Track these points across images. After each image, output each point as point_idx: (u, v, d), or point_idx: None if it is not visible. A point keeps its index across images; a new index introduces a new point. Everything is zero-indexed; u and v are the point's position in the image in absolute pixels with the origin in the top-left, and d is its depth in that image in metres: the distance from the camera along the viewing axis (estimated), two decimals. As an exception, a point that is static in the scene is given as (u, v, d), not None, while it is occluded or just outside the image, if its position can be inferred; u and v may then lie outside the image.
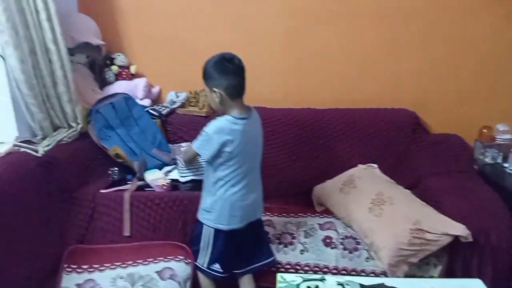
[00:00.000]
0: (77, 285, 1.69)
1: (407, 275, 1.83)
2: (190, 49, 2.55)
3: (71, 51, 2.19)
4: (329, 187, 2.29)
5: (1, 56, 1.80)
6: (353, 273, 1.92)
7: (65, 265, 1.77)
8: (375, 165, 2.35)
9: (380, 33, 2.47)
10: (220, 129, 1.68)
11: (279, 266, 1.96)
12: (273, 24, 2.50)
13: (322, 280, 1.56)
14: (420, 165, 2.38)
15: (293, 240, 2.02)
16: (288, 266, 1.96)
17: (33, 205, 1.76)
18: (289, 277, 1.59)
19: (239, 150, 1.70)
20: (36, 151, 1.90)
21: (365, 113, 2.50)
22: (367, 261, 1.93)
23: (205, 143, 1.70)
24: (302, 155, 2.47)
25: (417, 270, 1.87)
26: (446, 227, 1.81)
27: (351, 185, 2.19)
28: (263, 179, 2.38)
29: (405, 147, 2.45)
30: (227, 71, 1.68)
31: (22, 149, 1.87)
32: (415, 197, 2.07)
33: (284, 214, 2.23)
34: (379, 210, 1.97)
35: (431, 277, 1.87)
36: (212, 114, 2.52)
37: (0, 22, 1.70)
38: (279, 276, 1.59)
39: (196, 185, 2.03)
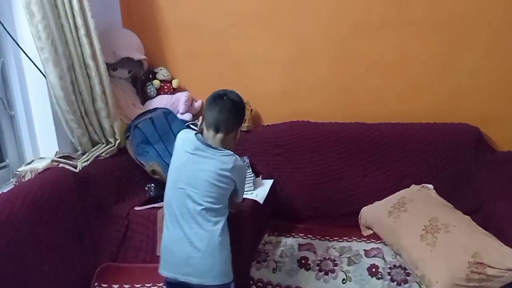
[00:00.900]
0: (106, 304, 1.66)
1: (463, 315, 1.61)
2: (234, 63, 2.49)
3: (113, 66, 2.21)
4: (377, 210, 2.10)
5: (43, 74, 1.83)
6: (402, 308, 1.73)
7: (96, 283, 1.74)
8: (431, 186, 2.12)
9: (439, 42, 2.25)
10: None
11: (319, 296, 1.81)
12: (321, 36, 2.37)
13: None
14: (483, 188, 2.12)
15: (335, 268, 1.86)
16: (329, 296, 1.81)
17: (67, 221, 1.75)
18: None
19: (172, 166, 1.55)
20: (75, 167, 1.90)
21: (421, 128, 2.28)
22: (418, 296, 1.73)
23: None
24: (349, 174, 2.29)
25: (477, 309, 1.64)
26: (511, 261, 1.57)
27: (401, 208, 1.98)
28: (305, 197, 2.28)
29: (466, 167, 2.19)
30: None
31: (61, 165, 1.88)
32: (476, 225, 1.82)
33: (327, 238, 2.08)
34: (432, 239, 1.75)
35: (493, 319, 1.63)
36: (253, 129, 2.44)
37: (41, 40, 1.72)
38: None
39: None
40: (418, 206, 1.96)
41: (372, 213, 2.11)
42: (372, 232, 2.08)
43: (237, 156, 1.55)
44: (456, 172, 2.19)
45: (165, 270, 1.53)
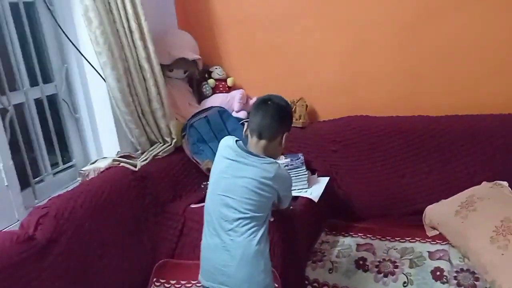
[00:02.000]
0: (163, 300, 1.70)
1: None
2: (288, 58, 2.45)
3: (169, 67, 2.27)
4: (443, 209, 1.95)
5: (103, 78, 1.92)
6: (470, 315, 1.59)
7: (154, 279, 1.80)
8: (505, 183, 1.92)
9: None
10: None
11: (378, 300, 1.72)
12: (383, 23, 2.24)
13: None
14: None
15: (395, 270, 1.76)
16: (388, 301, 1.72)
17: (127, 218, 1.82)
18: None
19: (213, 173, 1.53)
20: (134, 166, 1.98)
21: (493, 120, 2.08)
22: (489, 303, 1.58)
23: None
24: (412, 170, 2.15)
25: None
26: None
27: (470, 207, 1.82)
28: (365, 195, 2.18)
29: (546, 162, 1.98)
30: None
31: (121, 164, 1.97)
32: (557, 227, 1.63)
33: (388, 238, 1.98)
34: (504, 241, 1.59)
35: None
36: (308, 125, 2.38)
37: (99, 45, 1.81)
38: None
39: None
40: (489, 205, 1.79)
41: (437, 212, 1.96)
42: (437, 232, 1.93)
43: (280, 164, 1.50)
44: (535, 168, 1.98)
45: (203, 278, 1.51)
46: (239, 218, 1.41)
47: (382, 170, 2.20)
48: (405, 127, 2.19)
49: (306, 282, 1.83)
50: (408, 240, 1.93)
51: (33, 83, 1.86)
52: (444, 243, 1.85)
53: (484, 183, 1.97)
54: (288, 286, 1.79)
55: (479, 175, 2.03)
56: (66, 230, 1.55)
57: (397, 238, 1.96)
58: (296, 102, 2.36)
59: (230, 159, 1.47)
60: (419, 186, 2.13)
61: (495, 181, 1.96)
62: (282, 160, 2.13)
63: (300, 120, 2.34)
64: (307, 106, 2.37)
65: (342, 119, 2.32)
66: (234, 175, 1.45)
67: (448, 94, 2.21)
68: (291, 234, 1.79)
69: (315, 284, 1.82)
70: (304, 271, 1.84)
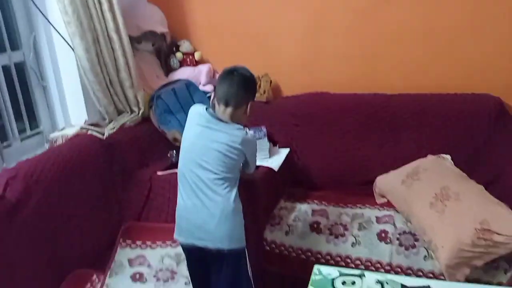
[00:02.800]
0: (129, 260, 1.80)
1: (469, 279, 1.63)
2: (254, 35, 2.54)
3: (138, 39, 2.33)
4: (391, 179, 2.12)
5: (71, 47, 1.96)
6: (409, 271, 1.77)
7: (121, 240, 1.89)
8: (448, 156, 2.12)
9: (461, 9, 2.19)
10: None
11: (329, 258, 1.88)
12: (340, 5, 2.37)
13: (360, 276, 1.46)
14: (502, 159, 2.07)
15: (345, 232, 1.93)
16: (338, 259, 1.88)
17: (94, 183, 1.91)
18: (325, 270, 1.51)
19: (185, 142, 1.62)
20: (102, 134, 2.05)
21: (440, 99, 2.25)
22: (426, 260, 1.76)
23: None
24: (367, 144, 2.32)
25: (483, 274, 1.65)
26: (519, 229, 1.57)
27: (414, 177, 2.00)
28: (322, 166, 2.33)
29: (486, 138, 2.15)
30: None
31: (89, 132, 2.03)
32: (489, 194, 1.81)
33: (341, 204, 2.14)
34: (441, 206, 1.77)
35: (499, 284, 1.64)
36: (272, 100, 2.49)
37: (67, 14, 1.85)
38: (315, 268, 1.52)
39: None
40: (431, 175, 1.97)
41: (386, 182, 2.14)
42: (386, 200, 2.11)
43: (247, 130, 1.62)
44: (475, 143, 2.16)
45: (181, 237, 1.62)
46: (215, 179, 1.52)
47: (339, 144, 2.35)
48: (361, 104, 2.34)
49: (265, 243, 1.98)
50: (359, 206, 2.10)
51: (1, 49, 1.88)
52: (390, 209, 2.03)
53: (429, 156, 2.16)
54: (248, 247, 1.93)
55: (426, 149, 2.20)
56: (35, 192, 1.62)
57: (349, 205, 2.12)
58: (261, 78, 2.46)
59: (202, 126, 1.56)
60: (372, 158, 2.30)
61: (439, 155, 2.15)
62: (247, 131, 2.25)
63: (265, 95, 2.45)
64: (271, 82, 2.48)
65: (304, 95, 2.45)
66: (207, 139, 1.55)
67: (400, 74, 2.37)
68: (251, 200, 1.92)
69: (273, 245, 1.97)
70: (262, 233, 1.98)
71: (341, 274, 1.47)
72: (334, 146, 2.36)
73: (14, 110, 1.95)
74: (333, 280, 1.45)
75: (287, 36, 2.48)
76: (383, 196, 2.14)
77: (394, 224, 1.92)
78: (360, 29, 2.36)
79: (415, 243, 1.81)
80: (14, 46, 1.96)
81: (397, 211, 2.00)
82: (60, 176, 1.74)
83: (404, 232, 1.86)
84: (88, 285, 1.67)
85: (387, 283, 1.40)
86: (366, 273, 1.48)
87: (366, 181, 2.25)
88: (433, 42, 2.28)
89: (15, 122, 1.96)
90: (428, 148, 2.21)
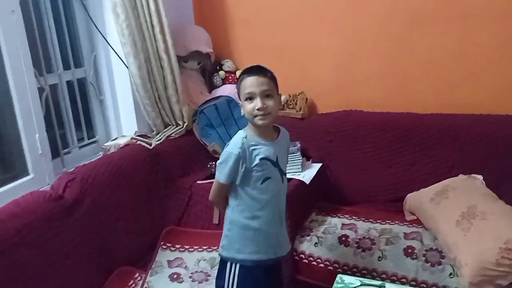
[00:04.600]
0: (168, 261, 1.96)
1: (493, 298, 1.67)
2: (292, 55, 2.69)
3: (185, 59, 2.53)
4: (420, 196, 2.17)
5: (126, 65, 2.19)
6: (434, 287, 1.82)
7: (162, 243, 2.06)
8: (479, 176, 2.14)
9: (494, 34, 2.24)
10: None
11: (355, 270, 1.96)
12: (376, 30, 2.47)
13: (381, 286, 1.54)
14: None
15: (373, 246, 1.99)
16: (365, 272, 1.94)
17: (141, 189, 2.10)
18: (348, 279, 1.60)
19: None
20: (150, 144, 2.25)
21: (473, 119, 2.29)
22: (451, 277, 1.79)
23: None
24: (398, 161, 2.38)
25: (508, 294, 1.68)
26: (544, 251, 1.59)
27: (443, 195, 2.05)
28: (354, 182, 2.42)
29: (518, 159, 2.18)
30: None
31: (138, 142, 2.24)
32: (516, 215, 1.84)
33: (370, 220, 2.20)
34: (467, 224, 1.81)
35: (524, 304, 1.66)
36: (307, 117, 2.61)
37: (124, 36, 2.07)
38: (338, 276, 1.62)
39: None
40: (460, 194, 2.01)
41: (415, 199, 2.19)
42: (415, 217, 2.16)
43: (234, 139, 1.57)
44: (507, 164, 2.17)
45: None
46: None
47: (371, 160, 2.43)
48: (394, 122, 2.41)
49: (294, 253, 2.08)
50: (388, 222, 2.15)
51: (66, 67, 2.13)
52: (419, 226, 2.07)
53: (460, 175, 2.19)
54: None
55: (457, 169, 2.24)
56: (89, 193, 1.83)
57: (379, 220, 2.18)
58: (298, 95, 2.60)
59: None
60: (403, 176, 2.35)
61: (471, 174, 2.18)
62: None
63: (300, 112, 2.58)
64: (307, 99, 2.61)
65: (338, 113, 2.55)
66: None
67: (433, 94, 2.43)
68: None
69: (302, 255, 2.06)
70: (292, 244, 2.08)
71: (362, 284, 1.56)
72: (366, 162, 2.43)
73: (74, 121, 2.19)
74: (354, 288, 1.54)
75: (323, 57, 2.61)
76: (412, 214, 2.20)
77: (421, 241, 1.96)
78: (393, 51, 2.45)
79: (441, 260, 1.84)
80: (77, 64, 2.21)
81: (425, 229, 2.04)
82: (111, 181, 1.94)
83: (431, 249, 1.90)
84: (131, 282, 1.85)
85: (406, 294, 1.48)
86: (387, 284, 1.56)
87: (396, 198, 2.31)
88: (466, 63, 2.33)
89: (75, 131, 2.20)
90: (459, 167, 2.24)
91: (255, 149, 1.52)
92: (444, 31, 2.34)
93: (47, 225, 1.63)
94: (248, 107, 1.49)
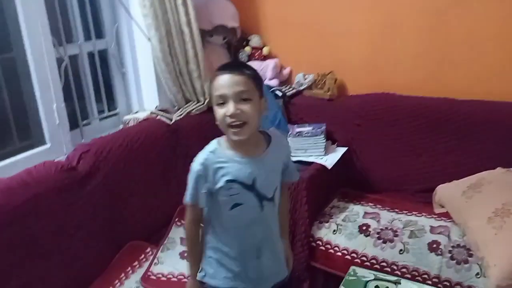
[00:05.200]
0: (181, 238, 1.92)
1: (522, 303, 1.52)
2: (323, 32, 2.54)
3: (210, 33, 2.44)
4: (452, 188, 2.02)
5: (148, 38, 2.13)
6: (457, 287, 1.69)
7: (176, 219, 2.03)
8: (520, 170, 1.96)
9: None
10: None
11: (374, 261, 1.85)
12: (413, 4, 2.27)
13: (396, 283, 1.44)
14: None
15: (395, 238, 1.87)
16: (384, 264, 1.84)
17: (158, 164, 2.06)
18: (361, 272, 1.51)
19: None
20: (170, 119, 2.21)
21: (515, 108, 2.09)
22: (478, 277, 1.66)
23: None
24: (430, 150, 2.22)
25: (540, 301, 1.53)
26: None
27: (477, 189, 1.89)
28: (381, 169, 2.30)
29: None
30: None
31: (158, 117, 2.20)
32: (558, 215, 1.67)
33: (395, 210, 2.08)
34: (500, 222, 1.66)
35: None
36: (336, 98, 2.48)
37: (145, 7, 2.01)
38: (351, 268, 1.54)
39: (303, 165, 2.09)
40: (495, 188, 1.85)
41: (446, 191, 2.04)
42: (444, 210, 2.01)
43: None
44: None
45: None
46: None
47: (401, 147, 2.28)
48: (429, 107, 2.23)
49: (311, 239, 2.00)
50: (415, 214, 2.02)
51: (87, 38, 2.11)
52: (448, 220, 1.93)
53: (498, 168, 2.01)
54: (293, 240, 1.98)
55: (495, 161, 2.04)
56: (103, 166, 1.80)
57: (404, 211, 2.05)
58: (326, 75, 2.46)
59: None
60: (435, 166, 2.20)
61: (510, 168, 1.99)
62: (306, 127, 2.27)
63: (328, 93, 2.45)
64: (336, 80, 2.47)
65: (369, 95, 2.40)
66: None
67: (473, 79, 2.22)
68: (299, 195, 1.96)
69: (319, 242, 1.98)
70: (309, 230, 2.00)
71: (376, 278, 1.47)
72: (396, 149, 2.29)
73: (95, 93, 2.18)
74: (366, 282, 1.45)
75: (355, 34, 2.45)
76: (442, 206, 2.05)
77: (448, 236, 1.82)
78: (431, 30, 2.25)
79: (469, 258, 1.71)
80: (99, 35, 2.18)
81: (454, 223, 1.90)
82: (126, 155, 1.91)
83: (458, 246, 1.77)
84: (142, 256, 1.84)
85: (423, 293, 1.37)
86: (403, 281, 1.46)
87: (426, 188, 2.16)
88: (507, 46, 2.11)
89: (96, 103, 2.19)
90: (497, 160, 2.04)
91: (221, 167, 1.23)
92: (486, 10, 2.11)
93: (58, 195, 1.63)
94: (219, 114, 1.20)
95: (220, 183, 1.23)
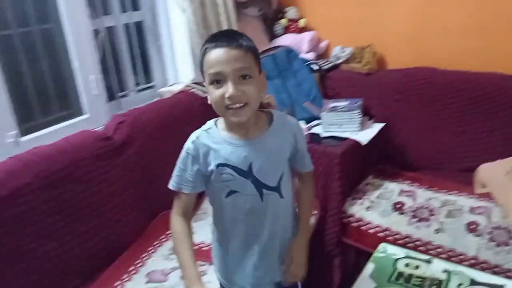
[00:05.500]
0: (212, 209, 1.96)
1: None
2: (362, 3, 2.43)
3: (245, 4, 2.40)
4: (496, 168, 1.92)
5: (183, 9, 2.12)
6: (496, 269, 1.61)
7: (209, 192, 2.06)
8: None
9: None
10: None
11: (408, 240, 1.80)
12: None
13: (427, 261, 1.39)
14: None
15: (431, 217, 1.81)
16: (419, 243, 1.78)
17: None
18: (392, 249, 1.47)
19: None
20: (205, 92, 2.20)
21: None
22: (518, 261, 1.58)
23: None
24: (474, 127, 2.11)
25: None
26: None
27: (522, 169, 1.79)
28: (421, 146, 2.21)
29: None
30: None
31: (193, 89, 2.20)
32: None
33: (433, 189, 2.00)
34: (546, 204, 1.57)
35: None
36: (374, 72, 2.39)
37: (180, -21, 2.00)
38: (381, 245, 1.50)
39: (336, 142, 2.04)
40: (543, 169, 1.74)
41: (489, 171, 1.93)
42: (486, 191, 1.91)
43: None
44: None
45: None
46: None
47: (443, 124, 2.18)
48: (473, 83, 2.12)
49: (343, 215, 1.96)
50: (454, 193, 1.94)
51: (123, 9, 2.12)
52: (489, 201, 1.84)
53: (548, 148, 1.89)
54: (325, 216, 1.96)
55: (547, 141, 1.94)
56: (138, 137, 1.84)
57: (443, 190, 1.98)
58: (365, 48, 2.37)
59: None
60: (478, 144, 2.10)
61: (562, 148, 1.87)
62: (341, 102, 2.21)
63: (367, 67, 2.36)
64: (375, 53, 2.37)
65: (409, 70, 2.29)
66: None
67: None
68: (331, 170, 1.93)
69: (351, 218, 1.95)
70: (341, 206, 1.97)
71: (407, 256, 1.43)
72: (436, 126, 2.19)
73: (132, 65, 2.21)
74: (396, 260, 1.41)
75: (397, 5, 2.32)
76: (484, 186, 1.95)
77: (489, 218, 1.74)
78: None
79: (510, 241, 1.63)
80: (135, 7, 2.20)
81: (496, 205, 1.81)
82: (161, 126, 1.95)
83: (499, 227, 1.68)
84: (175, 225, 1.88)
85: (456, 274, 1.32)
86: (435, 260, 1.40)
87: (468, 167, 2.05)
88: None
89: (133, 75, 2.22)
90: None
91: (213, 148, 1.11)
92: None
93: (94, 163, 1.68)
94: (215, 95, 1.05)
95: (211, 166, 1.11)
